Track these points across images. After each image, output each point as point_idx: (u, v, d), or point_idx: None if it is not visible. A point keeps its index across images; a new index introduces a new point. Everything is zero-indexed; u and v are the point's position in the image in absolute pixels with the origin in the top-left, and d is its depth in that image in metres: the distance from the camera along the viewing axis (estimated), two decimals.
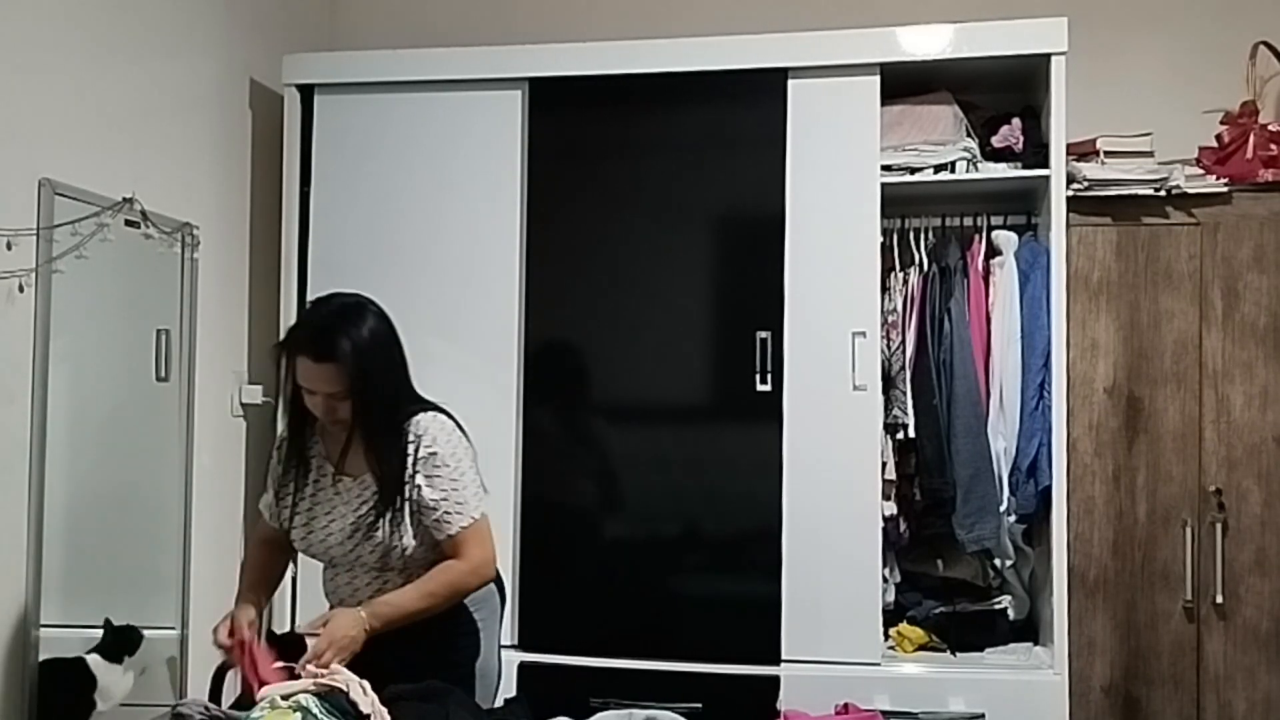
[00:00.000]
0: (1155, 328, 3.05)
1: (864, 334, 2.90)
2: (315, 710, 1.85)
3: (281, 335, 3.14)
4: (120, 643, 2.54)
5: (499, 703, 2.36)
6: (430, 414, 2.23)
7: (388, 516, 2.17)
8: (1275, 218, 3.03)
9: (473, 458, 2.27)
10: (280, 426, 2.38)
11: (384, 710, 1.91)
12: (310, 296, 3.13)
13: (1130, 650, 3.03)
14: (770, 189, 2.94)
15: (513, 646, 2.97)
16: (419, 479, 2.18)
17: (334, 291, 2.29)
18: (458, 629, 2.27)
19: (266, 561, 2.36)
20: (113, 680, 2.50)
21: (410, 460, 2.18)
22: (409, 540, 2.20)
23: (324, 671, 1.94)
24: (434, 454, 2.18)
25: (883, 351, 2.98)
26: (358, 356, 2.11)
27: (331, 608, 2.27)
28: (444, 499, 2.18)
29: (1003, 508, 2.97)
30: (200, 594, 2.91)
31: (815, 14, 3.33)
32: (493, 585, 2.36)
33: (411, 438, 2.19)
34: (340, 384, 2.11)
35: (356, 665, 2.05)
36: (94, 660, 2.49)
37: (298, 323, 2.22)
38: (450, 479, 2.19)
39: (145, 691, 2.63)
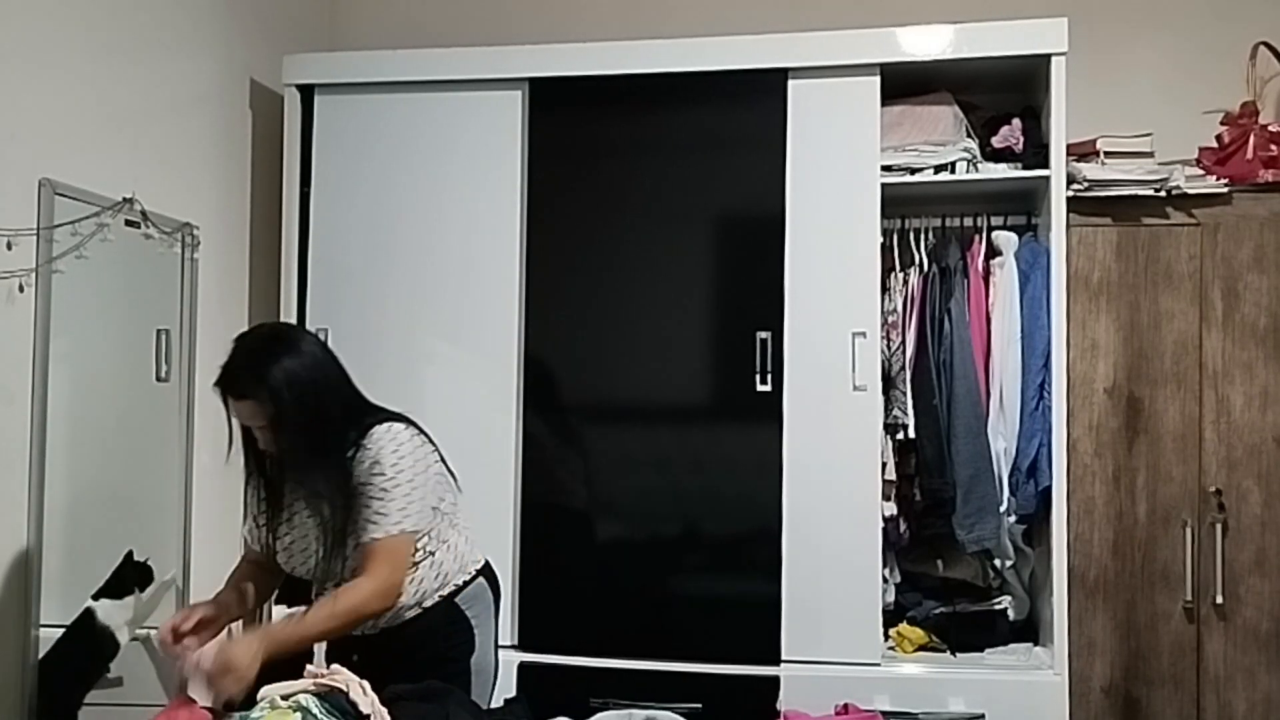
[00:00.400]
0: (1155, 328, 3.05)
1: (864, 334, 2.90)
2: (315, 710, 1.85)
3: None
4: (130, 579, 2.60)
5: (498, 702, 2.36)
6: (385, 425, 2.19)
7: (344, 533, 2.15)
8: (1275, 218, 3.03)
9: (426, 468, 2.21)
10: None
11: (384, 710, 1.91)
12: (310, 296, 3.15)
13: (1130, 651, 3.03)
14: (770, 189, 2.94)
15: (512, 647, 2.97)
16: (361, 488, 2.15)
17: (255, 325, 2.30)
18: (451, 625, 2.29)
19: (251, 575, 2.36)
20: (124, 619, 2.56)
21: (358, 472, 2.15)
22: None
23: (324, 671, 1.95)
24: (376, 463, 2.14)
25: (883, 352, 2.98)
26: (272, 391, 2.10)
27: None
28: (367, 505, 2.14)
29: (1003, 508, 2.96)
30: (200, 594, 2.91)
31: (815, 14, 3.33)
32: (484, 581, 2.38)
33: (365, 450, 2.16)
34: (262, 417, 2.13)
35: (355, 665, 2.06)
36: (102, 607, 2.52)
37: (225, 364, 2.20)
38: (381, 488, 2.14)
39: (140, 691, 2.64)
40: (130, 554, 2.59)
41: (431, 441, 2.27)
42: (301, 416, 2.11)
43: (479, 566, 2.38)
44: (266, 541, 2.30)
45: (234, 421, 2.22)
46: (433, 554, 2.25)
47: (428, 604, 2.27)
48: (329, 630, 2.14)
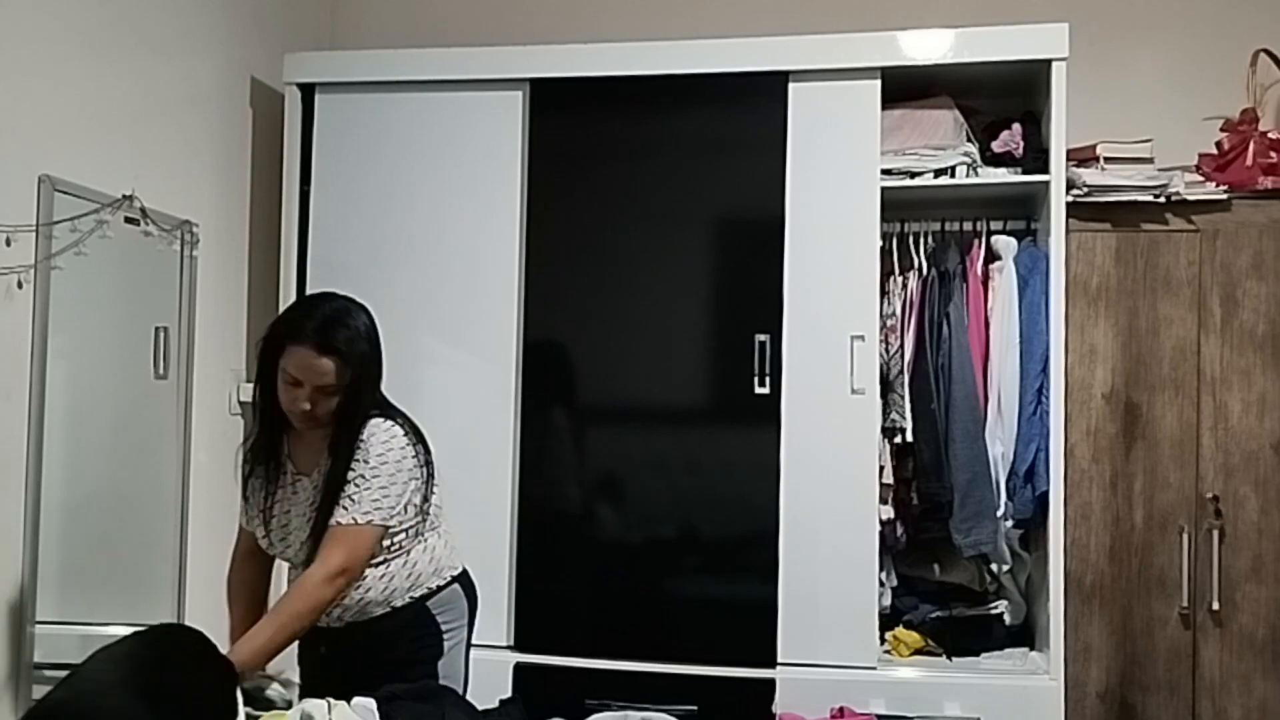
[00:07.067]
0: (1154, 334, 3.05)
1: (863, 338, 2.90)
2: (318, 718, 1.87)
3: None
4: None
5: (494, 703, 2.36)
6: (381, 419, 2.22)
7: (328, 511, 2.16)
8: (1274, 225, 3.03)
9: (410, 466, 2.22)
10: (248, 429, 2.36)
11: None
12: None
13: (1126, 656, 3.03)
14: (770, 192, 2.94)
15: (508, 647, 2.97)
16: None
17: (326, 291, 2.31)
18: (420, 629, 2.29)
19: (253, 580, 2.39)
20: None
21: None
22: None
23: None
24: (363, 452, 2.18)
25: (881, 355, 2.98)
26: (359, 353, 2.16)
27: None
28: (342, 489, 2.16)
29: (1000, 512, 2.96)
30: (196, 592, 2.91)
31: (816, 17, 3.34)
32: (459, 588, 2.38)
33: (362, 436, 2.19)
34: (336, 378, 2.14)
35: (321, 656, 2.14)
36: None
37: (293, 315, 2.23)
38: (360, 474, 2.16)
39: None
40: None
41: (424, 442, 2.28)
42: (367, 385, 2.19)
43: (455, 573, 2.38)
44: (260, 520, 2.29)
45: (263, 385, 2.20)
46: (407, 552, 2.25)
47: (397, 603, 2.26)
48: (292, 633, 2.12)
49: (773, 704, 2.83)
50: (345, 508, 2.15)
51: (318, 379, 2.14)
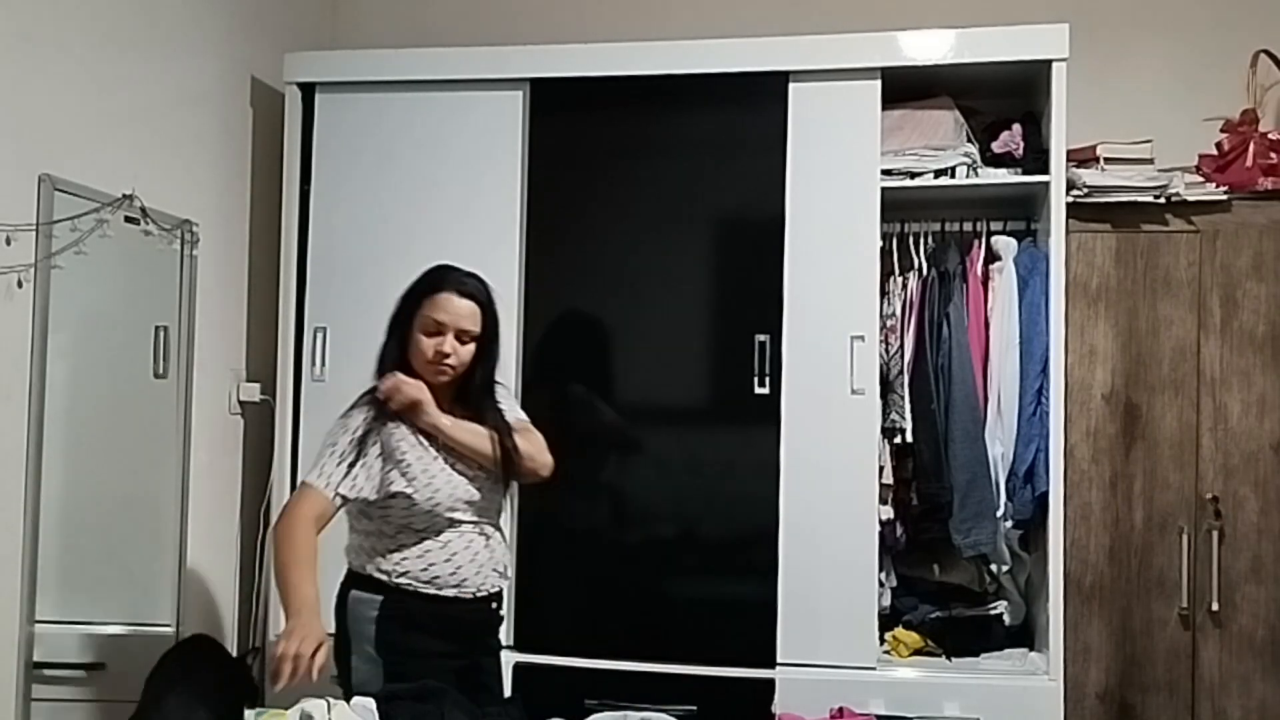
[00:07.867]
0: (1154, 335, 3.06)
1: (862, 338, 2.90)
2: (317, 718, 1.87)
3: (289, 328, 3.15)
4: None
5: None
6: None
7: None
8: (1274, 226, 3.03)
9: None
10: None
11: None
12: (309, 296, 3.14)
13: (1125, 657, 3.04)
14: (770, 192, 2.95)
15: (508, 647, 2.96)
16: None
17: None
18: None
19: (314, 546, 2.28)
20: None
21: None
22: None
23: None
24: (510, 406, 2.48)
25: (881, 356, 2.98)
26: (493, 307, 2.39)
27: (456, 582, 2.34)
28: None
29: (999, 513, 2.96)
30: (196, 591, 2.91)
31: (817, 18, 3.35)
32: None
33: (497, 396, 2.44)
34: (475, 324, 2.34)
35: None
36: None
37: (432, 271, 2.41)
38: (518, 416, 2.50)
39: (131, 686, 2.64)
40: None
41: None
42: (495, 343, 2.41)
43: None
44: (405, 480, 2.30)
45: (398, 344, 2.35)
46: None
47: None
48: (485, 444, 2.38)
49: (772, 704, 2.83)
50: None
51: (462, 324, 2.32)
